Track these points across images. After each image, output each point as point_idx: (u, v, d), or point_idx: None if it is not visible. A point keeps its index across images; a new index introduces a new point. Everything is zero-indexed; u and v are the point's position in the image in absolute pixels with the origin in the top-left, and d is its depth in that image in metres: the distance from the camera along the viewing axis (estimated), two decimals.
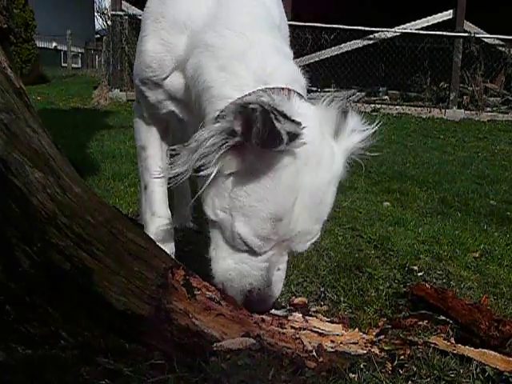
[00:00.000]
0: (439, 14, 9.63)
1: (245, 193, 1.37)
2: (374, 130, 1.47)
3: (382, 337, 1.64)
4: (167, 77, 1.78)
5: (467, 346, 1.54)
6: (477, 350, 1.52)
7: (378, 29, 9.69)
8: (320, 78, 10.66)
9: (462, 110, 9.54)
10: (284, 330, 1.45)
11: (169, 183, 1.53)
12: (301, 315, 1.57)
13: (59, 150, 1.36)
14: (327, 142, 1.43)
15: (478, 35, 9.41)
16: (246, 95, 1.40)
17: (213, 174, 1.34)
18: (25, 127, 1.22)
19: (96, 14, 14.43)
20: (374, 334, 1.71)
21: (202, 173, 1.33)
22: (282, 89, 1.41)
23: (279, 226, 1.38)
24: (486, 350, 1.52)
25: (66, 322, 1.16)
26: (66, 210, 1.21)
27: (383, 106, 9.93)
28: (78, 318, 1.18)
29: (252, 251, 1.43)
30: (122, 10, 9.67)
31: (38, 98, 8.13)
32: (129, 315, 1.23)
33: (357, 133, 1.46)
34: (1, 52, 1.29)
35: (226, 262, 1.48)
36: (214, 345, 1.29)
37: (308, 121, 1.32)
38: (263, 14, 1.65)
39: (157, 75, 1.79)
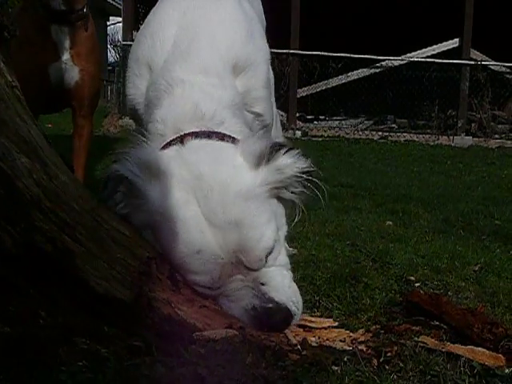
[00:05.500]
0: (445, 43, 9.73)
1: (157, 240, 1.44)
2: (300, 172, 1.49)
3: (371, 337, 1.63)
4: None
5: (456, 344, 1.52)
6: (465, 347, 1.50)
7: (384, 57, 9.80)
8: (328, 107, 10.79)
9: (470, 137, 9.52)
10: None
11: None
12: None
13: (49, 144, 1.40)
14: (225, 169, 1.44)
15: (484, 63, 9.49)
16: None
17: None
18: (14, 116, 1.25)
19: (109, 46, 14.89)
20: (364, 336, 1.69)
21: None
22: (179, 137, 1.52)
23: (206, 255, 1.37)
24: (474, 347, 1.49)
25: (46, 302, 1.17)
26: (51, 196, 1.23)
27: (391, 133, 9.96)
28: (57, 298, 1.19)
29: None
30: (133, 40, 9.91)
31: (49, 126, 8.25)
32: (109, 299, 1.24)
33: (280, 172, 1.47)
34: None
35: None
36: (195, 334, 1.29)
37: (188, 159, 1.45)
38: (213, 56, 1.72)
39: (139, 113, 1.90)
